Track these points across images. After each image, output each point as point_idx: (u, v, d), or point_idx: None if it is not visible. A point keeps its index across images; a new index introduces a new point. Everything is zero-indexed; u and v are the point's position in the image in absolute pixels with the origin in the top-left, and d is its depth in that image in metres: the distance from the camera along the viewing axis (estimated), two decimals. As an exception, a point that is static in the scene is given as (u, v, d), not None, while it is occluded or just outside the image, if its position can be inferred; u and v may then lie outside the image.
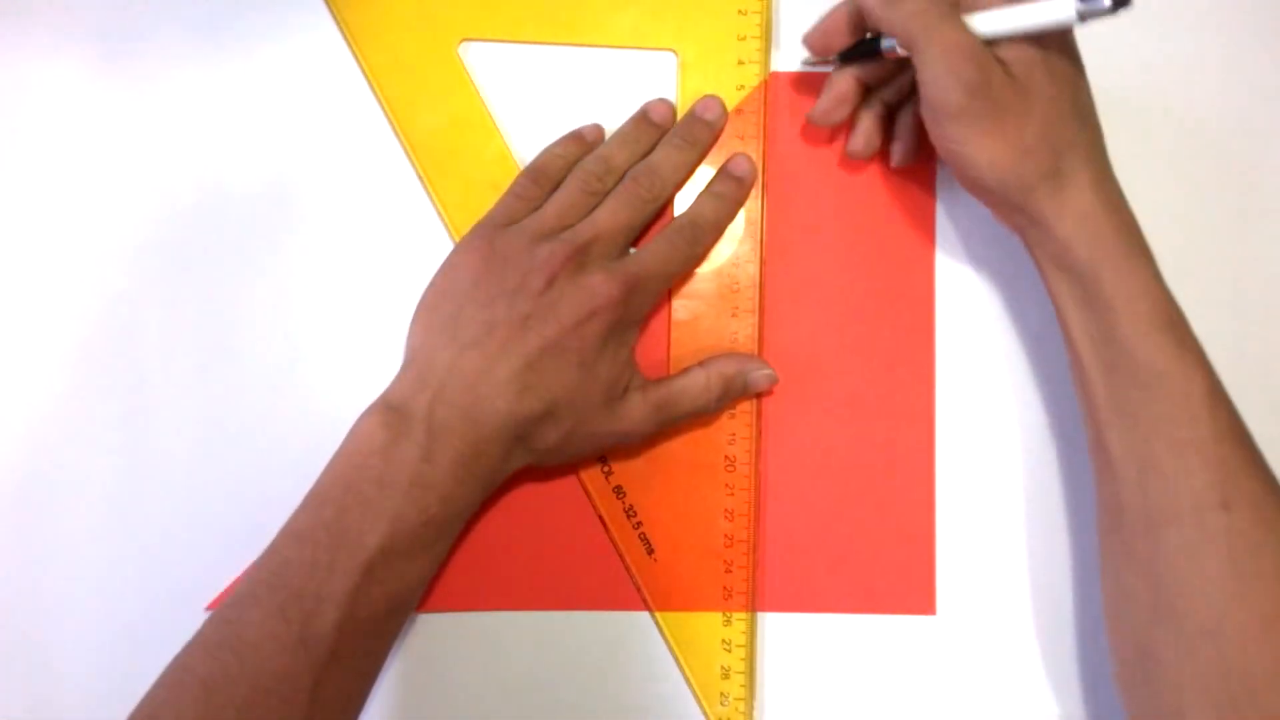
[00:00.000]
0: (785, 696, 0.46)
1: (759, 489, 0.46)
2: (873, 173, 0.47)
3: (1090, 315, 0.40)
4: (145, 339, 0.46)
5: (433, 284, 0.44)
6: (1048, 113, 0.40)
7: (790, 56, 0.48)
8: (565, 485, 0.46)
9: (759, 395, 0.46)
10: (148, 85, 0.47)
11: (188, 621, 0.41)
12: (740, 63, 0.48)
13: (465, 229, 0.46)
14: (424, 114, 0.47)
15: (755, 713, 0.45)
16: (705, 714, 0.45)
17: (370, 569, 0.38)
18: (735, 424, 0.46)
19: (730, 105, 0.47)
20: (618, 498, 0.46)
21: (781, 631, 0.46)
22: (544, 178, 0.45)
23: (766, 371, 0.45)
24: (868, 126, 0.46)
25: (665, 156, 0.46)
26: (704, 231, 0.46)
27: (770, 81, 0.48)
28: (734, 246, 0.47)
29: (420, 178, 0.47)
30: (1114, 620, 0.40)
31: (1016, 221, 0.42)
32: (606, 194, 0.45)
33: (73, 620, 0.43)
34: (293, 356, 0.47)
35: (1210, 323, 0.40)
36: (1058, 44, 0.41)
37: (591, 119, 0.48)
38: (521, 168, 0.47)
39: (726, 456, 0.46)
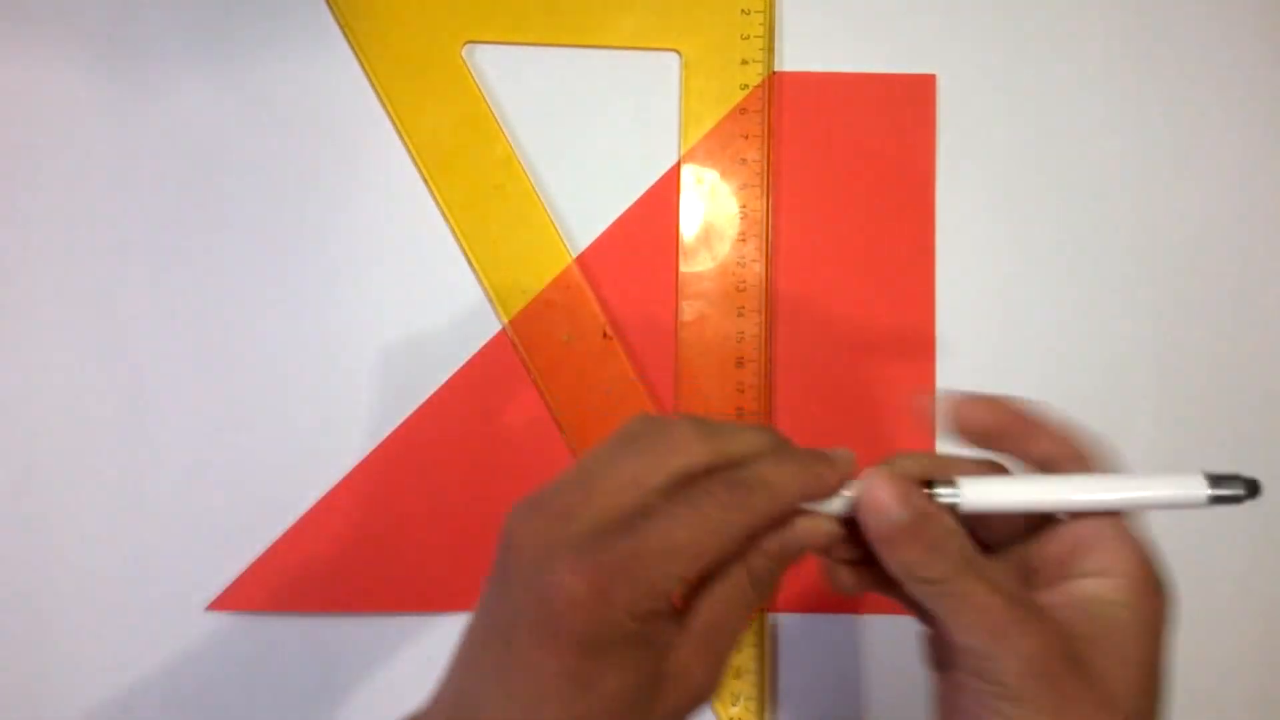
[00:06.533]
0: (790, 696, 0.45)
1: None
2: (875, 170, 0.47)
3: None
4: (146, 340, 0.46)
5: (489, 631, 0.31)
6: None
7: (794, 55, 0.48)
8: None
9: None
10: (149, 87, 0.47)
11: (188, 621, 0.41)
12: (744, 62, 0.48)
13: (469, 230, 0.46)
14: (427, 116, 0.47)
15: (766, 713, 0.45)
16: (717, 714, 0.45)
17: None
18: (744, 423, 0.46)
19: (733, 104, 0.47)
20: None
21: (783, 631, 0.46)
22: None
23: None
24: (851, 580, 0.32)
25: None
26: (758, 488, 0.29)
27: (774, 80, 0.48)
28: (740, 246, 0.47)
29: (424, 180, 0.47)
30: None
31: None
32: None
33: (73, 620, 0.43)
34: (294, 358, 0.46)
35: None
36: (1144, 574, 0.29)
37: (595, 119, 0.48)
38: (525, 169, 0.47)
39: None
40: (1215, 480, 0.29)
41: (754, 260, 0.47)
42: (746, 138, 0.47)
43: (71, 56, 0.47)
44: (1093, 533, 0.30)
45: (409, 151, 0.47)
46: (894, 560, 0.29)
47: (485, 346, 0.46)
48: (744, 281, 0.47)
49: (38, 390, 0.46)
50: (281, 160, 0.47)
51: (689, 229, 0.47)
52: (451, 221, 0.47)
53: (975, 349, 0.47)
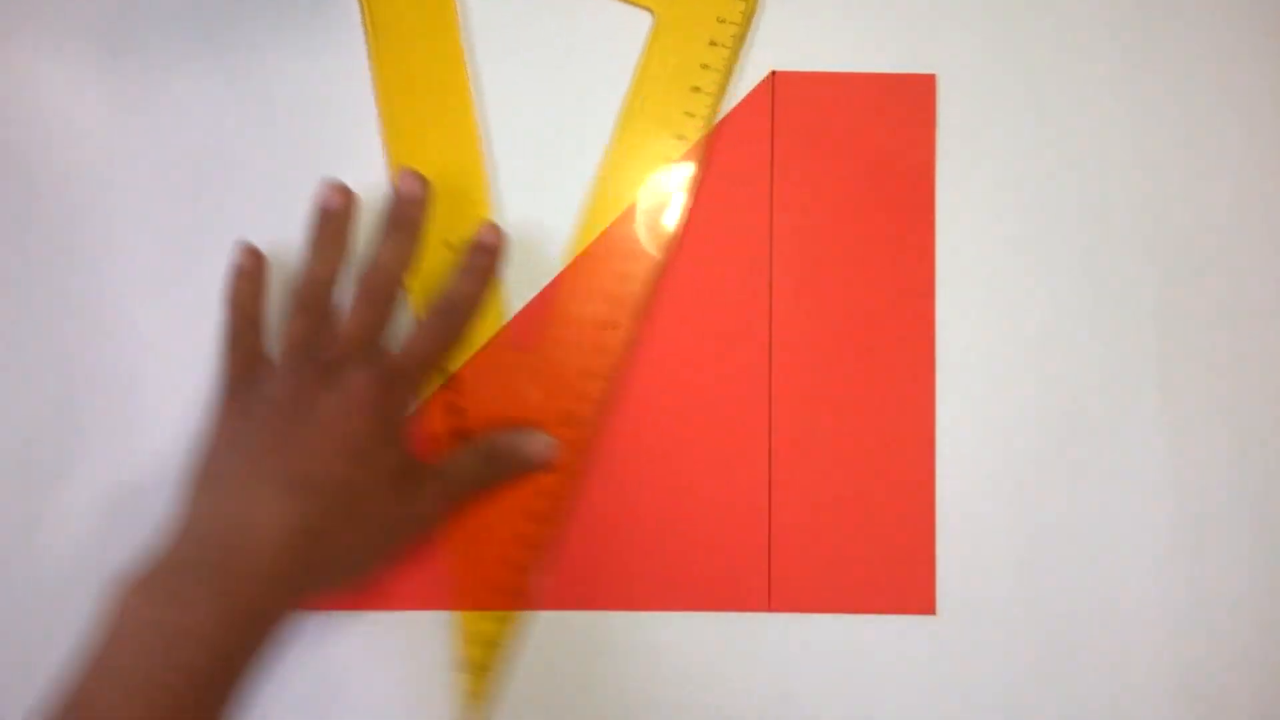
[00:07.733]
0: (788, 696, 0.46)
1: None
2: (875, 171, 0.47)
3: None
4: (146, 339, 0.46)
5: (196, 457, 0.43)
6: None
7: (794, 55, 0.47)
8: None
9: (548, 466, 0.45)
10: (149, 85, 0.46)
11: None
12: (712, 44, 0.47)
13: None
14: (403, 46, 0.47)
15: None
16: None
17: None
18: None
19: (690, 84, 0.47)
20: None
21: (782, 631, 0.46)
22: (247, 339, 0.44)
23: (542, 442, 0.45)
24: None
25: (385, 251, 0.44)
26: (463, 312, 0.44)
27: (773, 80, 0.47)
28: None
29: (379, 114, 0.46)
30: None
31: None
32: (329, 306, 0.44)
33: (72, 620, 0.43)
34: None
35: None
36: None
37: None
38: (478, 116, 0.47)
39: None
40: None
41: (754, 260, 0.47)
42: (746, 137, 0.47)
43: (71, 53, 0.47)
44: None
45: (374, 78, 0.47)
46: None
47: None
48: (742, 280, 0.47)
49: (35, 389, 0.45)
50: (281, 158, 0.46)
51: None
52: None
53: (975, 349, 0.47)
